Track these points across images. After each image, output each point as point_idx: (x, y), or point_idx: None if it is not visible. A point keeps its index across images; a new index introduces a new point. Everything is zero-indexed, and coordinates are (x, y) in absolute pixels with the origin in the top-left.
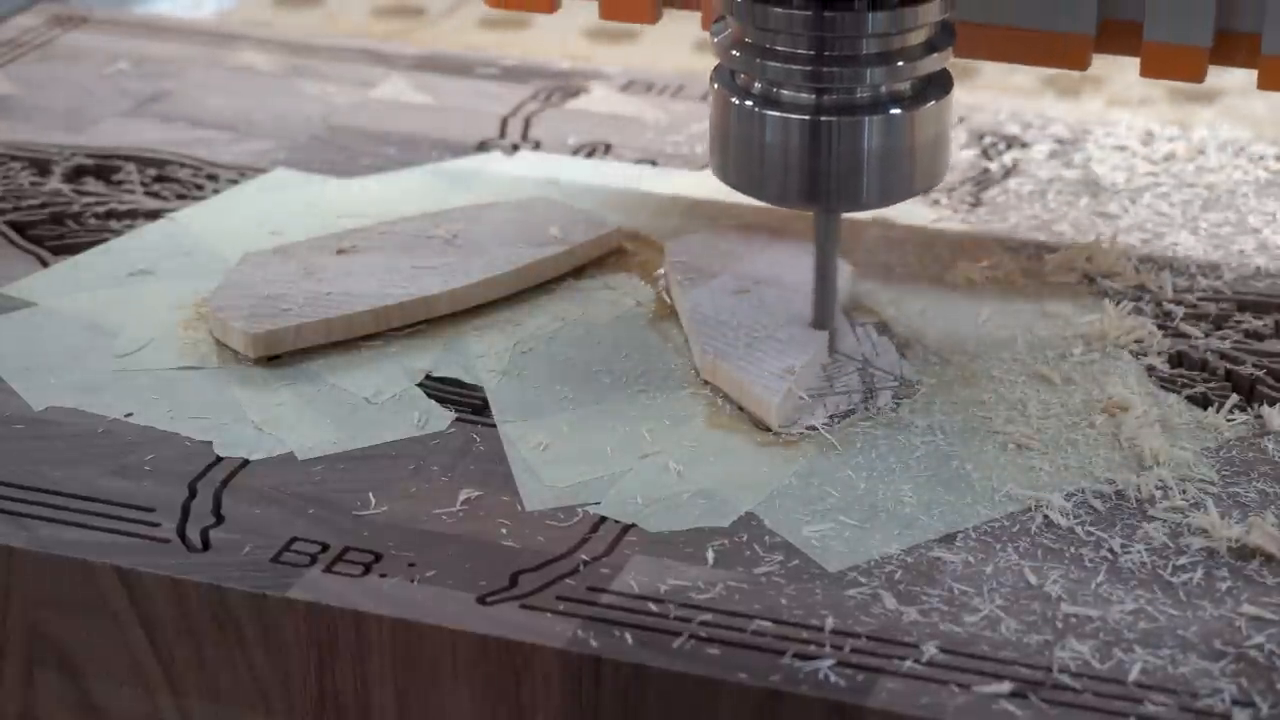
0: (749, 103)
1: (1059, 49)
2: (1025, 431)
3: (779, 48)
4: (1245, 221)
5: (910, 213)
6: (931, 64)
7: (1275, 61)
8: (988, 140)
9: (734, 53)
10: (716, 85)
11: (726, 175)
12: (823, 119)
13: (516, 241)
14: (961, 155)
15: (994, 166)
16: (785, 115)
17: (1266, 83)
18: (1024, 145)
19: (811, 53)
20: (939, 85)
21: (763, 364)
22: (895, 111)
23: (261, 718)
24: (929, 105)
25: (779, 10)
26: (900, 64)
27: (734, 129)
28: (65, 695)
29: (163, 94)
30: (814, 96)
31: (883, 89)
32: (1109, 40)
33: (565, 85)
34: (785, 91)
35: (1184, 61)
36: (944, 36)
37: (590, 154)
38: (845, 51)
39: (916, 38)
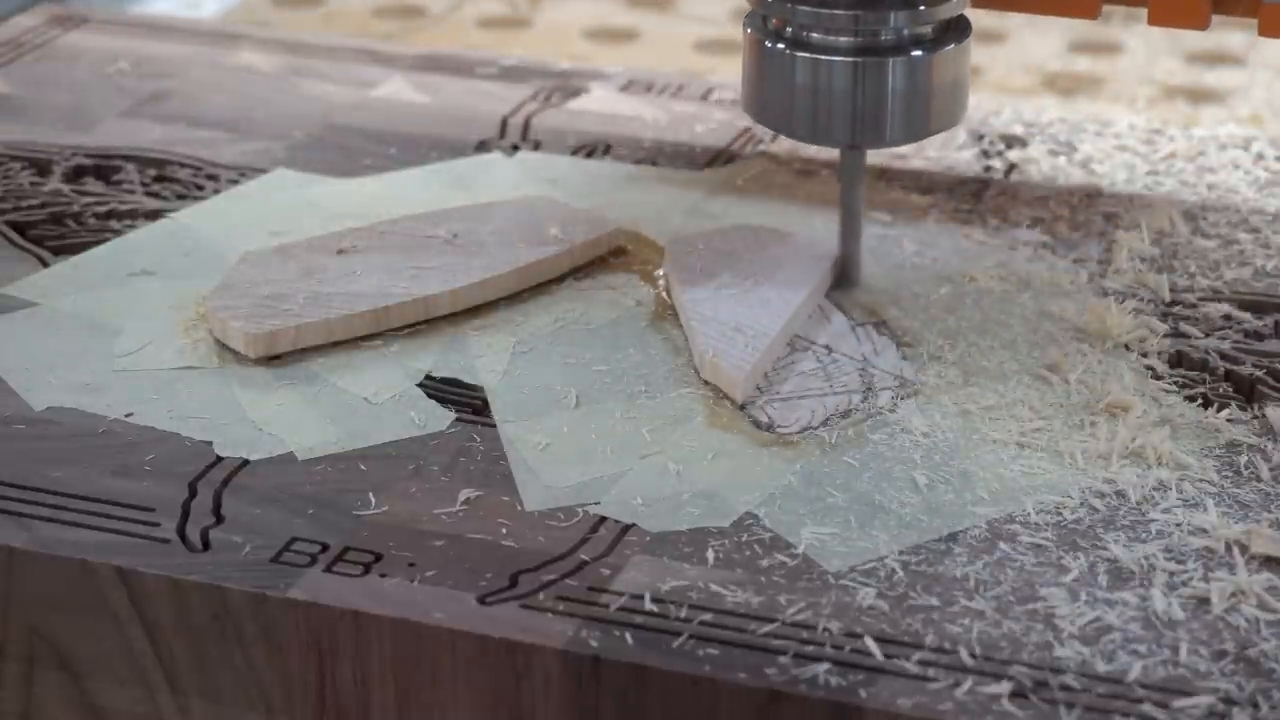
0: (780, 45)
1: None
2: (1025, 431)
3: None
4: (1245, 221)
5: (909, 213)
6: (950, 9)
7: (1274, 9)
8: (988, 140)
9: None
10: (749, 30)
11: (759, 114)
12: (850, 60)
13: (516, 241)
14: (961, 155)
15: (994, 166)
16: (814, 57)
17: (1267, 29)
18: (1024, 145)
19: None
20: (958, 30)
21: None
22: (917, 54)
23: (261, 718)
24: (948, 49)
25: None
26: (922, 9)
27: (766, 70)
28: (65, 695)
29: (163, 94)
30: (841, 39)
31: (905, 33)
32: None
33: (565, 85)
34: (814, 35)
35: (1188, 9)
36: None
37: (590, 154)
38: None
39: None
